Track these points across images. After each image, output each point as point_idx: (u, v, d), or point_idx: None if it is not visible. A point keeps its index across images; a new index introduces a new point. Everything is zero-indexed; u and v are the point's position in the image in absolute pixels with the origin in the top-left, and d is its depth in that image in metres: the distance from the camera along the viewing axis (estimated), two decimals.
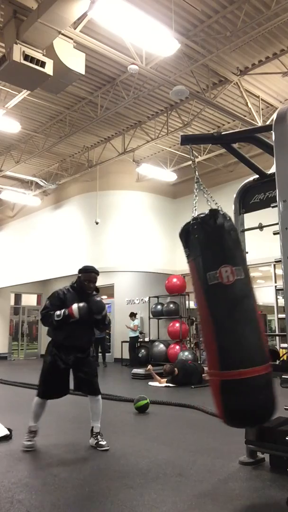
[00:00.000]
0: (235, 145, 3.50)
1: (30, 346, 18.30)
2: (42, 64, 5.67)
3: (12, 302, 18.13)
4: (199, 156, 10.63)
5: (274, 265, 10.28)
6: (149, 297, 13.12)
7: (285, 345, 9.38)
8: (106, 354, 13.87)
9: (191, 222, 2.59)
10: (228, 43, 6.79)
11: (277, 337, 9.90)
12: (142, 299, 13.77)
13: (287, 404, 2.71)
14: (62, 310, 3.82)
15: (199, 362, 10.55)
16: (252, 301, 2.49)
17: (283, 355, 9.12)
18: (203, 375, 8.47)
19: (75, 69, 6.01)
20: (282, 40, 7.10)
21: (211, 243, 2.52)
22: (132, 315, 12.84)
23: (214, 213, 2.56)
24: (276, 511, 2.56)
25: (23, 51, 5.50)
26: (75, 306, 3.80)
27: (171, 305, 12.17)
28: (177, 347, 11.40)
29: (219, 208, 2.62)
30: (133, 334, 12.76)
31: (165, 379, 8.22)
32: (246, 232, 3.63)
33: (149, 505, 2.62)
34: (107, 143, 10.81)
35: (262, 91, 8.69)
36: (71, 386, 4.01)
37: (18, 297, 18.45)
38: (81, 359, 3.94)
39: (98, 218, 11.58)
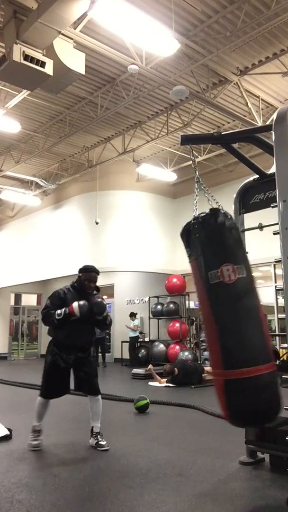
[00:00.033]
0: (235, 145, 3.50)
1: (30, 346, 18.30)
2: (42, 64, 5.66)
3: (12, 302, 18.13)
4: (199, 156, 10.63)
5: (274, 265, 10.28)
6: (149, 297, 13.12)
7: (285, 345, 9.37)
8: (106, 354, 13.87)
9: (192, 221, 2.59)
10: (228, 43, 6.79)
11: (277, 337, 9.90)
12: (142, 299, 13.77)
13: (287, 405, 2.71)
14: (63, 309, 3.82)
15: (199, 362, 10.56)
16: (255, 300, 2.48)
17: (283, 355, 9.13)
18: (203, 375, 8.48)
19: (75, 69, 6.01)
20: (282, 40, 7.10)
21: (212, 242, 2.52)
22: (132, 315, 12.84)
23: (214, 212, 2.56)
24: (276, 511, 2.56)
25: (23, 51, 5.50)
26: (75, 304, 3.81)
27: (171, 305, 12.17)
28: (177, 347, 11.40)
29: (220, 207, 2.62)
30: (133, 334, 12.76)
31: (165, 379, 8.22)
32: (246, 232, 3.63)
33: (149, 505, 2.62)
34: (107, 143, 10.82)
35: (262, 91, 8.69)
36: (72, 385, 4.01)
37: (18, 297, 18.45)
38: (81, 359, 3.94)
39: (98, 218, 11.58)
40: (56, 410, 4.06)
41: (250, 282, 2.50)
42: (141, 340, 13.13)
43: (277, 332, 10.27)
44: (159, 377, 8.29)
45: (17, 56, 5.47)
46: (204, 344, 11.54)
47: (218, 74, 8.00)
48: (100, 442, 3.84)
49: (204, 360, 11.19)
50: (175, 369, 8.27)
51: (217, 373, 2.45)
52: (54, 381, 3.93)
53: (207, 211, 2.58)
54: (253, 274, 2.59)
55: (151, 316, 12.81)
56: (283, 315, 8.83)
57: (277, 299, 10.24)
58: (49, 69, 5.75)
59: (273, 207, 3.12)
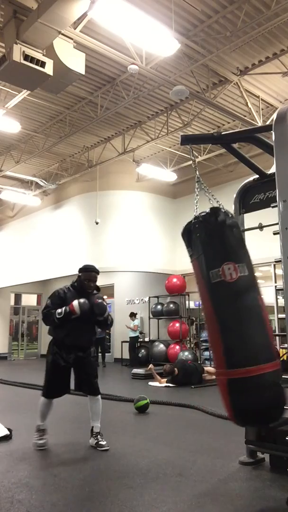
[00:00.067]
0: (235, 145, 3.50)
1: (30, 346, 18.30)
2: (42, 64, 5.66)
3: (12, 302, 18.13)
4: (199, 156, 10.63)
5: (274, 265, 10.28)
6: (149, 297, 13.12)
7: (285, 345, 9.37)
8: (106, 354, 13.87)
9: (193, 221, 2.59)
10: (228, 43, 6.79)
11: (277, 337, 9.90)
12: (142, 299, 13.77)
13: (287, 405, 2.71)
14: (63, 308, 3.83)
15: (199, 362, 10.56)
16: (257, 298, 2.48)
17: (283, 355, 9.13)
18: (203, 375, 8.48)
19: (75, 69, 6.01)
20: (282, 40, 7.10)
21: (213, 240, 2.52)
22: (132, 315, 12.84)
23: (215, 211, 2.56)
24: (276, 511, 2.55)
25: (23, 51, 5.50)
26: (75, 302, 3.82)
27: (171, 305, 12.16)
28: (177, 347, 11.40)
29: (221, 206, 2.62)
30: (133, 334, 12.76)
31: (165, 379, 8.22)
32: (246, 232, 3.63)
33: (149, 505, 2.62)
34: (107, 143, 10.82)
35: (262, 91, 8.69)
36: (72, 386, 4.02)
37: (18, 297, 18.45)
38: (81, 359, 3.95)
39: (98, 218, 11.58)
40: (56, 410, 4.05)
41: (252, 281, 2.49)
42: (141, 340, 13.13)
43: (277, 332, 10.27)
44: (159, 377, 8.29)
45: (17, 56, 5.47)
46: (204, 344, 11.55)
47: (218, 74, 8.00)
48: (100, 442, 3.84)
49: (204, 360, 11.20)
50: (175, 369, 8.27)
51: (220, 373, 2.45)
52: (55, 381, 3.94)
53: (208, 210, 2.58)
54: (255, 272, 2.58)
55: (151, 316, 12.81)
56: (283, 315, 8.83)
57: (277, 299, 10.24)
58: (49, 69, 5.75)
59: (273, 207, 3.12)
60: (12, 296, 18.05)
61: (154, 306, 12.73)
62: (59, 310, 3.83)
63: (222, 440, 4.13)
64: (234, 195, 3.77)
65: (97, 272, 4.05)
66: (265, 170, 3.52)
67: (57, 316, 3.82)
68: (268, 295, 10.54)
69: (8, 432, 4.22)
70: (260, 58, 7.61)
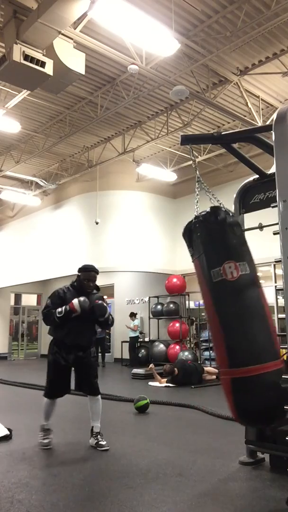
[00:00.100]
0: (235, 145, 3.50)
1: (30, 346, 18.30)
2: (42, 64, 5.66)
3: (12, 302, 18.13)
4: (199, 156, 10.62)
5: (274, 265, 10.27)
6: (149, 297, 13.12)
7: (285, 345, 9.36)
8: (106, 354, 13.87)
9: (193, 220, 2.59)
10: (228, 43, 6.79)
11: (277, 337, 9.90)
12: (142, 299, 13.77)
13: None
14: (64, 306, 3.84)
15: (199, 362, 10.56)
16: (259, 296, 2.47)
17: (283, 355, 9.12)
18: (203, 375, 8.48)
19: (75, 69, 6.00)
20: (282, 40, 7.10)
21: (213, 239, 2.52)
22: (132, 315, 12.84)
23: (215, 210, 2.56)
24: (276, 511, 2.55)
25: (23, 51, 5.50)
26: (75, 301, 3.83)
27: (171, 305, 12.16)
28: (177, 347, 11.40)
29: (221, 205, 2.62)
30: (133, 334, 12.76)
31: (165, 379, 8.22)
32: (246, 232, 3.62)
33: (149, 505, 2.62)
34: (107, 143, 10.81)
35: (262, 91, 8.69)
36: (72, 385, 4.02)
37: (18, 297, 18.45)
38: (81, 358, 3.95)
39: (98, 218, 11.57)
40: (56, 410, 4.06)
41: (254, 279, 2.49)
42: (141, 340, 13.13)
43: (277, 332, 10.27)
44: (159, 377, 8.29)
45: (17, 56, 5.47)
46: (204, 344, 11.55)
47: (218, 74, 8.00)
48: (100, 442, 3.84)
49: (204, 360, 11.20)
50: (175, 369, 8.28)
51: (224, 372, 2.45)
52: (57, 381, 3.95)
53: (208, 209, 2.58)
54: (257, 271, 2.57)
55: (151, 316, 12.80)
56: (283, 315, 8.82)
57: (277, 299, 10.23)
58: (49, 69, 5.74)
59: (273, 207, 3.12)
60: (12, 296, 18.05)
61: (154, 306, 12.73)
62: (59, 309, 3.84)
63: (222, 440, 4.13)
64: (234, 195, 3.77)
65: (97, 272, 4.06)
66: (265, 170, 3.51)
67: (57, 315, 3.83)
68: (268, 295, 10.52)
69: (8, 432, 4.22)
70: (260, 58, 7.61)
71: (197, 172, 2.87)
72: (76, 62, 6.03)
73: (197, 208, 2.71)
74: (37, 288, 17.13)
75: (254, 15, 6.34)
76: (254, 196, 3.64)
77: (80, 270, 4.05)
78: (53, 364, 3.96)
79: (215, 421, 4.99)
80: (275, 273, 10.51)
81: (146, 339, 13.08)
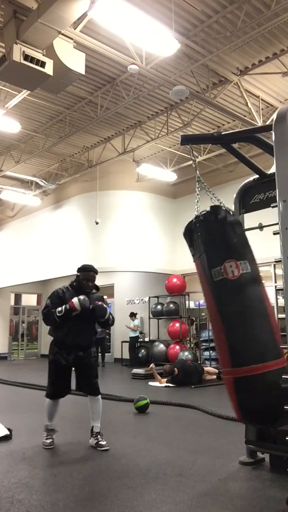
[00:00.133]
0: (235, 145, 3.50)
1: (30, 346, 18.30)
2: (42, 64, 5.66)
3: (12, 302, 18.13)
4: (199, 156, 10.62)
5: (274, 265, 10.26)
6: (149, 297, 13.12)
7: (285, 345, 9.35)
8: (106, 354, 13.87)
9: (194, 220, 2.59)
10: (228, 43, 6.79)
11: (280, 336, 9.89)
12: (142, 299, 13.77)
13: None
14: (64, 306, 3.85)
15: (199, 362, 10.56)
16: (261, 295, 2.46)
17: (285, 354, 9.12)
18: (203, 375, 8.48)
19: (75, 69, 6.00)
20: (282, 40, 7.10)
21: (214, 239, 2.52)
22: (132, 315, 12.84)
23: (215, 209, 2.56)
24: (276, 511, 2.55)
25: (23, 51, 5.50)
26: (75, 299, 3.84)
27: (171, 305, 12.16)
28: (177, 347, 11.40)
29: (222, 204, 2.62)
30: (133, 334, 12.76)
31: (165, 379, 8.22)
32: (246, 232, 3.63)
33: (149, 505, 2.62)
34: (107, 143, 10.81)
35: (262, 91, 8.69)
36: (73, 385, 4.02)
37: (18, 297, 18.45)
38: (81, 358, 3.96)
39: (98, 218, 11.57)
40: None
41: (255, 277, 2.48)
42: (141, 340, 13.13)
43: (280, 331, 10.26)
44: (159, 377, 8.29)
45: (17, 56, 5.47)
46: (204, 344, 11.54)
47: (218, 74, 8.00)
48: (100, 442, 3.84)
49: (204, 360, 11.19)
50: (175, 369, 8.28)
51: (226, 372, 2.44)
52: (58, 381, 3.97)
53: (208, 209, 2.58)
54: (258, 269, 2.56)
55: (151, 316, 12.80)
56: (283, 315, 8.82)
57: (277, 299, 10.23)
58: (49, 69, 5.74)
59: (273, 207, 3.12)
60: (12, 296, 18.05)
61: (154, 306, 12.73)
62: (59, 309, 3.85)
63: (222, 440, 4.13)
64: (234, 195, 3.77)
65: (96, 271, 4.07)
66: (265, 170, 3.51)
67: (58, 314, 3.83)
68: (268, 295, 10.52)
69: (8, 432, 4.22)
70: (260, 58, 7.61)
71: (197, 172, 2.87)
72: (76, 62, 6.03)
73: (197, 207, 2.71)
74: (37, 288, 17.13)
75: (254, 15, 6.34)
76: (254, 196, 3.64)
77: (79, 270, 4.06)
78: (54, 364, 3.97)
79: (215, 421, 4.99)
80: (275, 273, 10.51)
81: (146, 339, 13.08)
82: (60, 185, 12.75)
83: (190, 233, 2.62)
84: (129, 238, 12.21)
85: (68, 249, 12.80)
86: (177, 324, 11.74)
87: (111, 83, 8.29)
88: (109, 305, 13.46)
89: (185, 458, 3.56)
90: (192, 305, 12.48)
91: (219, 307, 2.44)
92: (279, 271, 9.83)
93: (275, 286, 10.27)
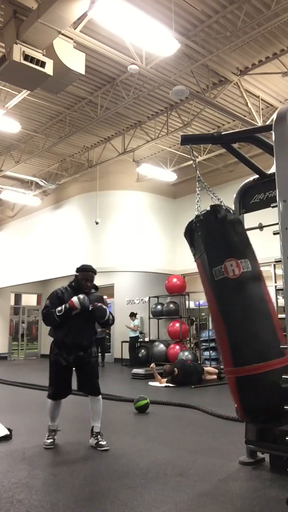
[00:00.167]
0: (235, 145, 3.50)
1: (30, 346, 18.30)
2: (42, 64, 5.66)
3: (12, 302, 18.13)
4: (199, 156, 10.62)
5: (274, 265, 10.26)
6: (149, 297, 13.12)
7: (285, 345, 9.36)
8: (106, 354, 13.86)
9: (194, 220, 2.59)
10: (228, 43, 6.79)
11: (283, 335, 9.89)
12: (142, 299, 13.77)
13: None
14: (63, 305, 3.86)
15: (199, 362, 10.55)
16: (263, 294, 2.46)
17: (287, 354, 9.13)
18: (203, 375, 8.48)
19: (75, 69, 6.00)
20: (282, 40, 7.10)
21: (214, 238, 2.52)
22: (132, 315, 12.84)
23: (215, 208, 2.56)
24: (276, 511, 2.55)
25: (23, 51, 5.50)
26: (75, 298, 3.85)
27: (171, 305, 12.16)
28: (177, 347, 11.40)
29: (222, 203, 2.62)
30: (133, 334, 12.76)
31: (165, 379, 8.22)
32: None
33: (149, 505, 2.62)
34: (107, 143, 10.81)
35: (262, 91, 8.69)
36: (74, 386, 4.02)
37: (18, 297, 18.45)
38: (82, 358, 3.96)
39: (98, 218, 11.57)
40: None
41: (257, 276, 2.48)
42: (141, 340, 13.13)
43: (282, 329, 10.26)
44: (160, 377, 8.29)
45: (17, 56, 5.47)
46: (204, 344, 11.55)
47: (218, 74, 8.00)
48: (100, 442, 3.84)
49: (204, 360, 11.19)
50: (175, 369, 8.28)
51: (229, 371, 2.44)
52: (60, 382, 3.98)
53: (209, 208, 2.58)
54: (260, 268, 2.55)
55: (151, 316, 12.80)
56: (283, 315, 8.82)
57: (277, 299, 10.23)
58: (49, 69, 5.74)
59: (273, 207, 3.11)
60: (12, 296, 18.04)
61: (154, 306, 12.73)
62: (59, 308, 3.86)
63: (222, 440, 4.13)
64: (234, 195, 3.76)
65: (94, 271, 4.09)
66: (265, 170, 3.51)
67: (58, 314, 3.84)
68: None
69: (8, 432, 4.22)
70: (260, 58, 7.61)
71: (198, 172, 2.87)
72: (76, 62, 6.03)
73: (197, 207, 2.71)
74: (37, 288, 17.13)
75: (254, 15, 6.34)
76: (254, 196, 3.63)
77: (78, 270, 4.08)
78: (55, 365, 3.98)
79: (215, 421, 4.99)
80: (275, 273, 10.51)
81: (146, 339, 13.08)
82: (60, 185, 12.75)
83: (191, 233, 2.63)
84: (129, 238, 12.20)
85: (68, 249, 12.80)
86: (177, 324, 11.74)
87: (111, 83, 8.29)
88: (109, 305, 13.48)
89: (185, 458, 3.56)
90: (192, 305, 12.48)
91: (220, 306, 2.44)
92: (279, 271, 9.83)
93: (275, 286, 10.28)
